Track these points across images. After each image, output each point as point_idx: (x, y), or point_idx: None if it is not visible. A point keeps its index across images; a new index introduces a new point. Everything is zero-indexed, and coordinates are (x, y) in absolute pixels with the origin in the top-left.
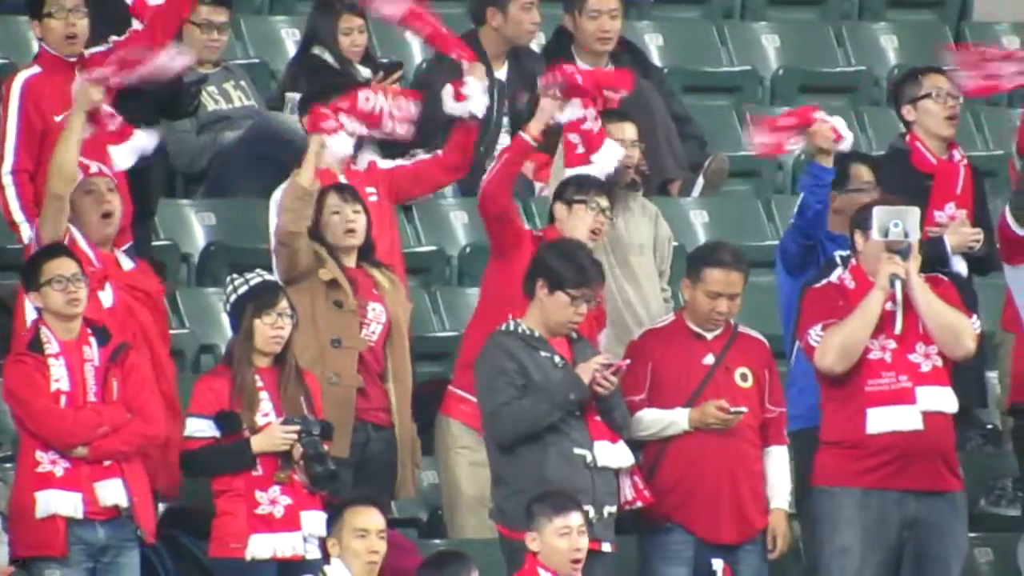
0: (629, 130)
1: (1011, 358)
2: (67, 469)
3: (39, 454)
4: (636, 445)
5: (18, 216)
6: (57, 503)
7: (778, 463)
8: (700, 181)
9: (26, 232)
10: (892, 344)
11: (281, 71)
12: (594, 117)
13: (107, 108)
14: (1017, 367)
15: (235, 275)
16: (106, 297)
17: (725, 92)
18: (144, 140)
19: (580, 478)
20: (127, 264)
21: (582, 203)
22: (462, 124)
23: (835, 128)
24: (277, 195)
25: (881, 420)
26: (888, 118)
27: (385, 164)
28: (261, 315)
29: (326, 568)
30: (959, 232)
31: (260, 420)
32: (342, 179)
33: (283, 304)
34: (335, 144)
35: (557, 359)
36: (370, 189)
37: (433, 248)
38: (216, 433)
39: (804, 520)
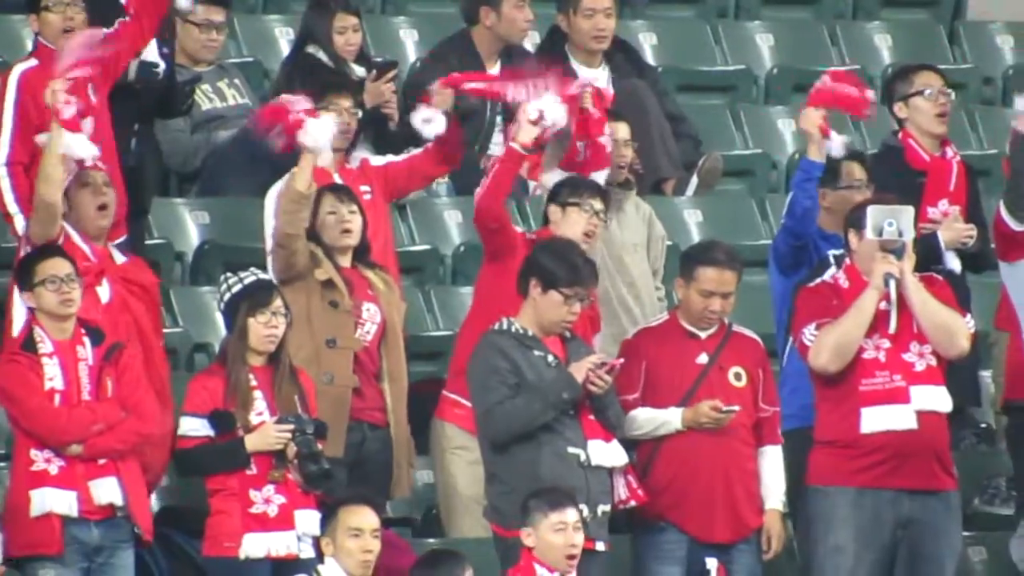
0: (622, 129)
1: (1005, 357)
2: (62, 468)
3: (33, 453)
4: (630, 444)
5: (12, 208)
6: (52, 501)
7: (772, 463)
8: (694, 180)
9: (20, 224)
10: (886, 343)
11: (275, 70)
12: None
13: (64, 96)
14: (1011, 365)
15: (229, 274)
16: (103, 292)
17: (719, 91)
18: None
19: (574, 477)
20: (120, 258)
21: (576, 205)
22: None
23: (826, 127)
24: (272, 194)
25: (875, 419)
26: (882, 116)
27: (378, 161)
28: (255, 314)
29: (320, 567)
30: (952, 228)
31: (254, 419)
32: (336, 179)
33: (277, 303)
34: (315, 130)
35: (550, 358)
36: (364, 187)
37: (427, 247)
38: (210, 432)
39: (798, 519)
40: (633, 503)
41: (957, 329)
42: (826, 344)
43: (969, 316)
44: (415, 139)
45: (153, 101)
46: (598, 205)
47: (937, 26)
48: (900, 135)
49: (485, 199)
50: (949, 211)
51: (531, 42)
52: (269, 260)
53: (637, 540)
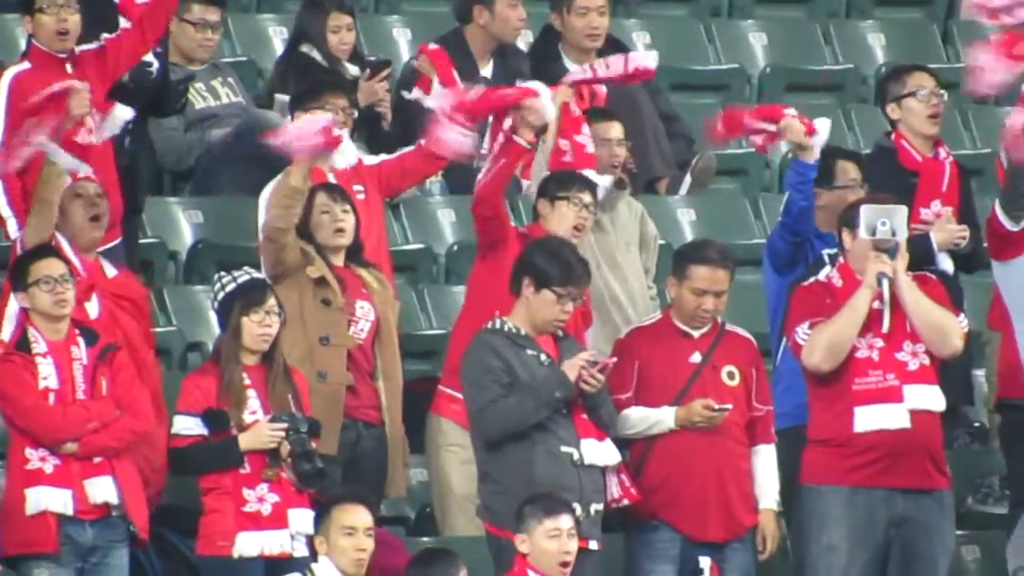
0: (615, 129)
1: (998, 356)
2: (57, 466)
3: (28, 451)
4: (623, 443)
5: (5, 211)
6: (47, 499)
7: (766, 462)
8: (687, 179)
9: (12, 227)
10: (879, 343)
11: (269, 69)
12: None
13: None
14: (1003, 364)
15: (223, 273)
16: (92, 308)
17: (712, 90)
18: (121, 112)
19: (567, 476)
20: (111, 271)
21: (564, 199)
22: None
23: (804, 118)
24: (266, 193)
25: (869, 418)
26: (875, 116)
27: (371, 160)
28: (249, 313)
29: (314, 566)
30: (945, 229)
31: (248, 418)
32: (331, 178)
33: (271, 302)
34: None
35: (543, 357)
36: (358, 187)
37: (420, 246)
38: (204, 431)
39: (792, 518)
40: (626, 502)
41: (950, 328)
42: (819, 343)
43: (962, 315)
44: (409, 138)
45: (146, 100)
46: (587, 198)
47: (930, 25)
48: (893, 136)
49: (486, 189)
50: (942, 212)
51: (524, 41)
52: (261, 258)
53: (630, 539)
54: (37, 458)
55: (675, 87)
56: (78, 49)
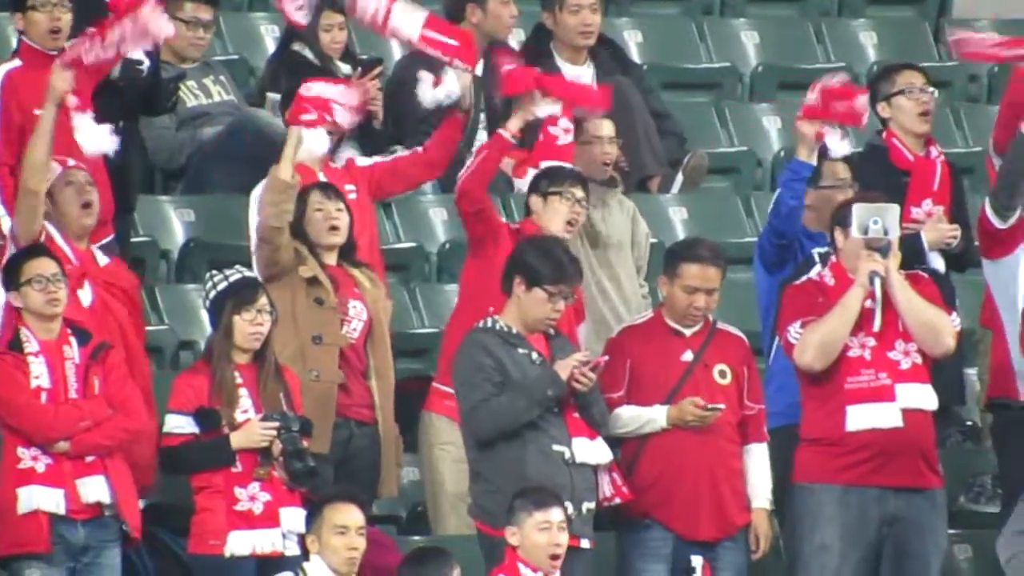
0: (607, 127)
1: (990, 354)
2: (49, 465)
3: (20, 450)
4: (615, 442)
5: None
6: (39, 499)
7: (758, 461)
8: (679, 178)
9: (5, 225)
10: (871, 341)
11: (261, 67)
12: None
13: (75, 99)
14: (995, 363)
15: (214, 271)
16: (85, 295)
17: (704, 89)
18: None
19: (559, 474)
20: (103, 260)
21: (557, 194)
22: (449, 118)
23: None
24: (257, 192)
25: (861, 417)
26: (867, 116)
27: (364, 161)
28: (240, 311)
29: (305, 565)
30: (936, 228)
31: (239, 416)
32: (322, 177)
33: (262, 300)
34: (311, 140)
35: (535, 356)
36: (349, 186)
37: (412, 244)
38: (195, 430)
39: (784, 517)
40: (618, 500)
41: (942, 327)
42: (811, 342)
43: (955, 314)
44: (400, 138)
45: (137, 98)
46: (579, 193)
47: (922, 23)
48: (884, 135)
49: (468, 182)
50: (933, 211)
51: (515, 40)
52: (254, 258)
53: (622, 538)
54: (29, 457)
55: (667, 85)
56: (67, 45)
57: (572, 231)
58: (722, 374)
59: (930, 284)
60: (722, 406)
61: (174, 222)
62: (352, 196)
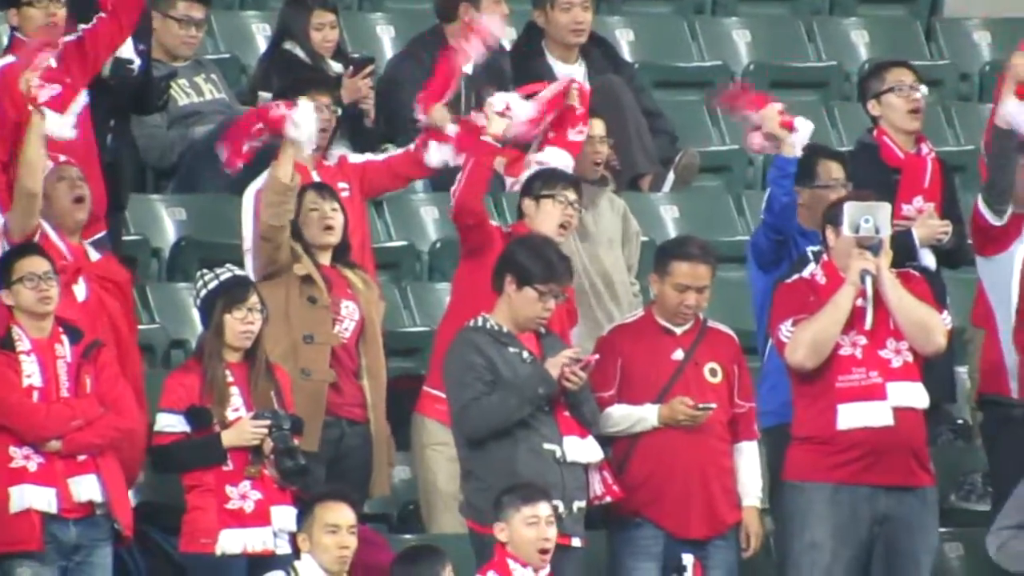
0: (598, 126)
1: (981, 353)
2: (41, 464)
3: (12, 449)
4: (606, 440)
5: None
6: (31, 497)
7: (749, 459)
8: (671, 176)
9: None
10: (863, 340)
11: (252, 66)
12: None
13: (38, 81)
14: (985, 361)
15: (205, 270)
16: (79, 291)
17: (696, 87)
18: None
19: (550, 473)
20: (95, 255)
21: (549, 197)
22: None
23: (782, 112)
24: (250, 191)
25: (852, 416)
26: (859, 113)
27: (356, 159)
28: (231, 310)
29: (297, 563)
30: (927, 225)
31: (230, 415)
32: (315, 176)
33: (253, 299)
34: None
35: (525, 355)
36: (342, 184)
37: (403, 243)
38: (186, 428)
39: (775, 515)
40: (609, 499)
41: (934, 326)
42: (802, 340)
43: (946, 312)
44: (392, 136)
45: (128, 97)
46: (572, 196)
47: (914, 22)
48: (875, 132)
49: (462, 196)
50: (923, 208)
51: (506, 38)
52: (247, 257)
53: (613, 536)
54: (21, 456)
55: (658, 84)
56: (61, 41)
57: (565, 234)
58: (713, 372)
59: (921, 282)
60: (713, 405)
61: (165, 221)
62: (345, 194)
